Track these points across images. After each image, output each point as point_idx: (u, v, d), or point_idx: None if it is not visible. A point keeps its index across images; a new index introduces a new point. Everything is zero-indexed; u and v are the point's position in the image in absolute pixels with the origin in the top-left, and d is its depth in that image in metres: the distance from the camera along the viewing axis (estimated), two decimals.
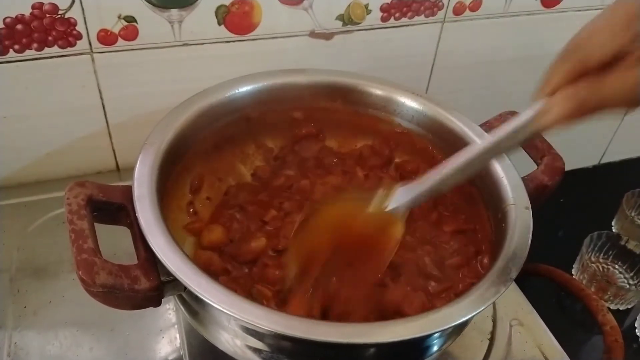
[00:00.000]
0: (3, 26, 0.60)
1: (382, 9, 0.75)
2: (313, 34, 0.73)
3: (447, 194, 0.63)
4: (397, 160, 0.67)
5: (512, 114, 0.63)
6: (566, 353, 0.62)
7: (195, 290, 0.41)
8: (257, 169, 0.66)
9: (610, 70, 0.36)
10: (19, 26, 0.61)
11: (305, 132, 0.66)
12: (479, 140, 0.45)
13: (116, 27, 0.64)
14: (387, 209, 0.48)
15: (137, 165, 0.50)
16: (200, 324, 0.50)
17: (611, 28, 0.36)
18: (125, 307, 0.45)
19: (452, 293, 0.53)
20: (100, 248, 0.45)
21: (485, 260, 0.54)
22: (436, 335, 0.49)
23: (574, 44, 0.38)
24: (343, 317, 0.49)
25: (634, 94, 0.36)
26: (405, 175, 0.65)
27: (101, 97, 0.69)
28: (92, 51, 0.65)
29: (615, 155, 1.09)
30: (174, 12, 0.65)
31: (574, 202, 0.91)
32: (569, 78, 0.37)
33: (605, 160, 1.09)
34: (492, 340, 0.62)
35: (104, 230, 0.48)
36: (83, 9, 0.62)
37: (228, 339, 0.48)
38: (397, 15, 0.76)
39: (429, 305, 0.52)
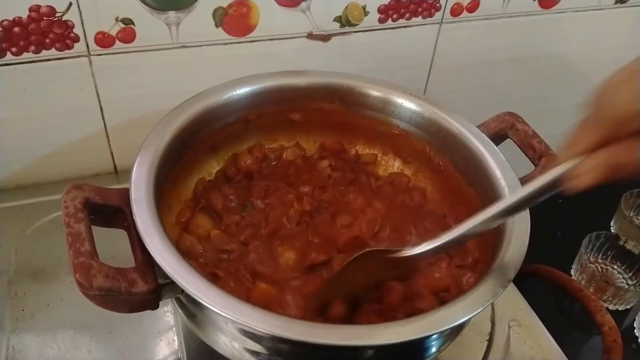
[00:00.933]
0: (0, 29, 0.60)
1: (379, 11, 0.75)
2: (311, 36, 0.74)
3: (444, 199, 0.64)
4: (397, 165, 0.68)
5: (510, 114, 0.63)
6: (565, 354, 0.62)
7: (193, 293, 0.41)
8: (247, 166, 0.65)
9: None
10: (16, 29, 0.61)
11: None
12: (507, 197, 0.46)
13: (114, 29, 0.64)
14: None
15: (135, 168, 0.50)
16: (198, 326, 0.50)
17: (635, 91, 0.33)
18: (123, 310, 0.45)
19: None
20: (98, 251, 0.45)
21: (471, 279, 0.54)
22: (434, 336, 0.49)
23: (604, 109, 0.34)
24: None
25: None
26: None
27: (99, 100, 0.69)
28: (89, 54, 0.65)
29: None
30: (172, 14, 0.65)
31: (573, 203, 0.91)
32: (600, 143, 0.35)
33: None
34: (490, 341, 0.62)
35: (102, 233, 0.48)
36: (80, 12, 0.62)
37: (226, 342, 0.48)
38: (394, 16, 0.76)
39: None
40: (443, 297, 0.53)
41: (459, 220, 0.61)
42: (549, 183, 0.39)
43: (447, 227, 0.61)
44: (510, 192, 0.53)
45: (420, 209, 0.64)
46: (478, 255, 0.57)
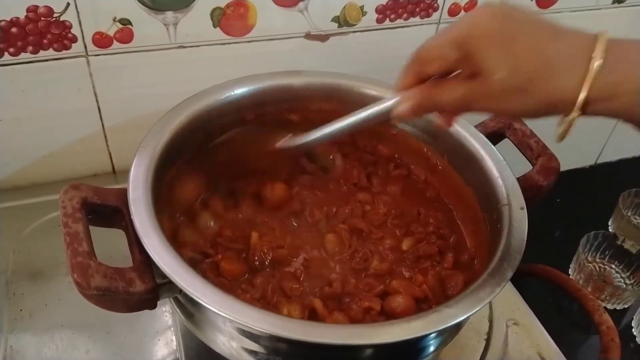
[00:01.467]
0: None
1: (377, 11, 0.75)
2: (309, 36, 0.74)
3: (442, 195, 0.64)
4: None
5: None
6: (562, 353, 0.62)
7: (191, 293, 0.42)
8: None
9: (445, 81, 0.43)
10: (14, 29, 0.61)
11: None
12: (349, 116, 0.53)
13: (111, 29, 0.64)
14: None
15: (133, 168, 0.50)
16: (196, 326, 0.50)
17: (441, 49, 0.42)
18: (121, 309, 0.45)
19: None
20: (96, 251, 0.45)
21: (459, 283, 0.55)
22: (432, 335, 0.49)
23: (415, 55, 0.44)
24: None
25: (461, 104, 0.42)
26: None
27: (97, 100, 0.69)
28: (87, 54, 0.65)
29: (612, 155, 1.09)
30: (169, 15, 0.65)
31: (571, 202, 0.91)
32: (414, 82, 0.45)
33: (601, 160, 1.09)
34: (488, 340, 0.62)
35: (100, 233, 0.48)
36: (78, 12, 0.62)
37: (224, 341, 0.48)
38: (392, 16, 0.76)
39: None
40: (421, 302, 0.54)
41: (457, 219, 0.62)
42: (379, 111, 0.49)
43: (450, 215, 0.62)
44: (506, 187, 0.55)
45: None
46: (475, 253, 0.57)
